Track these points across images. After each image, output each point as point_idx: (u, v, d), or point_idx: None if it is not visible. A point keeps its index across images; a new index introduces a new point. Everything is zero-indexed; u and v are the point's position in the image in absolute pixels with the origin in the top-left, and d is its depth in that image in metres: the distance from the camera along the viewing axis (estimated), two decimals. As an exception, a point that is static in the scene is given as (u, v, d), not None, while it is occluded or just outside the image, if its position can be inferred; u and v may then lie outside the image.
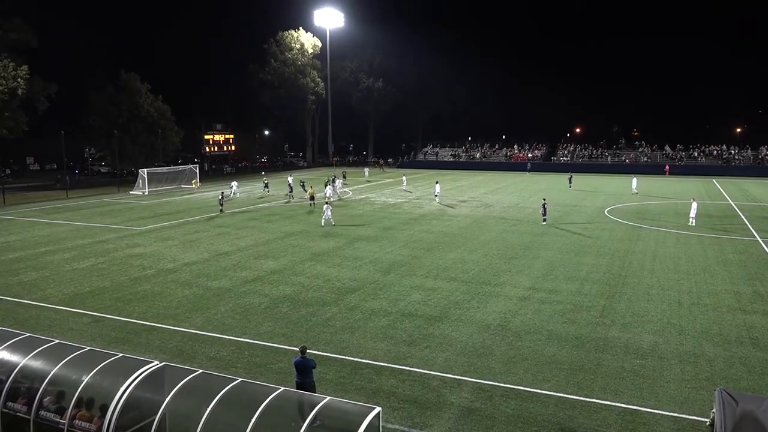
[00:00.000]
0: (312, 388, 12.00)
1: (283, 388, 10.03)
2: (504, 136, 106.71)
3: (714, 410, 8.50)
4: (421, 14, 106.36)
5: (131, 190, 57.12)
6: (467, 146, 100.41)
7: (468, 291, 21.21)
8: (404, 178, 62.24)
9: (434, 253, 27.62)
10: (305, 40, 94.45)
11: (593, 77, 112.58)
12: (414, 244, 29.57)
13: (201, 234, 32.92)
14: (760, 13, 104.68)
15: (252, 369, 14.52)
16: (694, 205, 35.58)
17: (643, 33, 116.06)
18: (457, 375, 14.19)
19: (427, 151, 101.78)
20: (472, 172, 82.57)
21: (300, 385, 12.04)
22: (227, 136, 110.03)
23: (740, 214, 40.20)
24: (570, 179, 60.53)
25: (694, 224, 34.57)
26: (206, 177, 68.71)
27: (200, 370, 10.70)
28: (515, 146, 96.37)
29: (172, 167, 64.26)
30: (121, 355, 11.49)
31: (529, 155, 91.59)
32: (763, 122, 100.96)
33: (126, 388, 9.99)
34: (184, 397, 9.93)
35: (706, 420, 11.66)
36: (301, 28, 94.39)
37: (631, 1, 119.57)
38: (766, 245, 29.04)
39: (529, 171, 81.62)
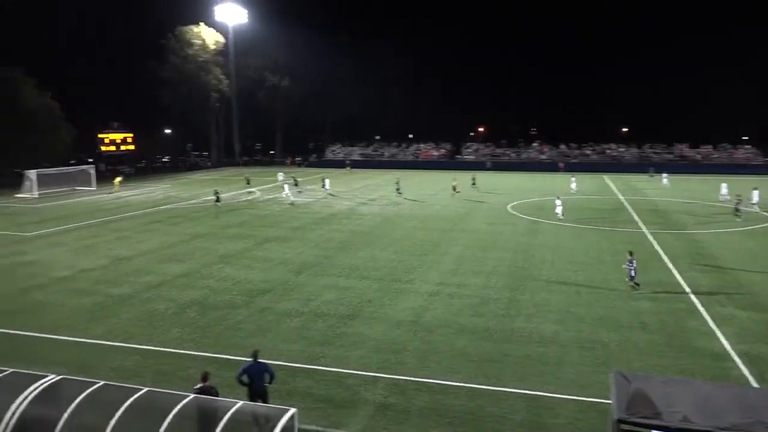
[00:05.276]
0: (266, 394, 11.87)
1: (192, 396, 9.70)
2: (411, 136, 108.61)
3: (611, 390, 9.13)
4: (325, 14, 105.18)
5: (18, 193, 52.83)
6: (375, 145, 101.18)
7: (380, 288, 21.43)
8: (327, 180, 54.81)
9: (346, 252, 27.66)
10: (207, 36, 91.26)
11: (494, 78, 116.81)
12: (325, 244, 29.47)
13: (98, 239, 31.08)
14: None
15: (159, 378, 13.92)
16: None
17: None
18: (372, 372, 14.32)
19: (336, 150, 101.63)
20: (382, 171, 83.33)
21: (255, 392, 11.79)
22: (125, 135, 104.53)
23: (629, 208, 43.27)
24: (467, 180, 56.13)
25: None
26: (103, 178, 64.63)
27: (102, 382, 10.12)
28: (420, 145, 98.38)
29: (62, 168, 60.00)
30: (11, 370, 10.64)
31: (434, 153, 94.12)
32: (645, 124, 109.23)
33: (17, 407, 9.26)
34: (85, 412, 9.35)
35: (608, 402, 12.46)
36: (202, 23, 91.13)
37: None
38: (651, 236, 31.44)
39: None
